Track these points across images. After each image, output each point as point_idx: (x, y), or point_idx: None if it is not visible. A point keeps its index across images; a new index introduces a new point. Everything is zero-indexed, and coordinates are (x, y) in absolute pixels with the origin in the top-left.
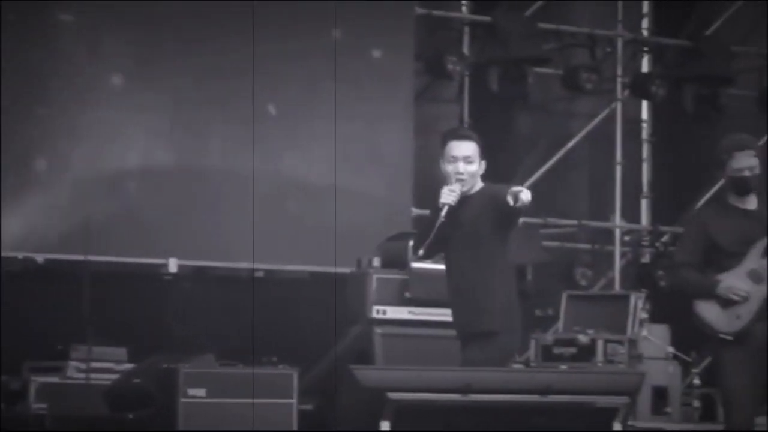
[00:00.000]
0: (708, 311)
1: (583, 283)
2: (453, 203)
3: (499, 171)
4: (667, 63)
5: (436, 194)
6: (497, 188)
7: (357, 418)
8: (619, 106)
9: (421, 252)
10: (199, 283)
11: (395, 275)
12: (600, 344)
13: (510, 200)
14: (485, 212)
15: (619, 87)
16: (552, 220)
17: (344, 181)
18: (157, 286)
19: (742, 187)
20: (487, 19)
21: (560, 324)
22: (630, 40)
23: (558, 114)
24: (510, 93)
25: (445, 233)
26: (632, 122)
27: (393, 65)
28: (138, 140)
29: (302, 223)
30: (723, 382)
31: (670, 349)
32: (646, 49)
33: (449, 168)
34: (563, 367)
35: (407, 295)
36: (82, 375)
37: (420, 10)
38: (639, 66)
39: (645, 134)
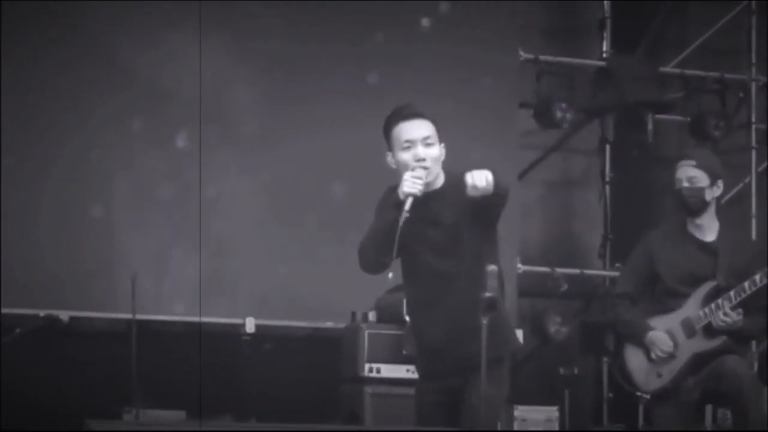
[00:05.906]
0: (633, 359)
1: None
2: (419, 194)
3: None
4: None
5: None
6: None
7: None
8: (753, 154)
9: (391, 274)
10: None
11: (390, 330)
12: None
13: (469, 190)
14: (465, 208)
15: (753, 134)
16: None
17: None
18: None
19: (681, 202)
20: (600, 63)
21: None
22: (765, 84)
23: None
24: (628, 141)
25: (405, 237)
26: None
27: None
28: None
29: None
30: None
31: None
32: None
33: (405, 156)
34: None
35: (404, 351)
36: None
37: (525, 55)
38: None
39: None
